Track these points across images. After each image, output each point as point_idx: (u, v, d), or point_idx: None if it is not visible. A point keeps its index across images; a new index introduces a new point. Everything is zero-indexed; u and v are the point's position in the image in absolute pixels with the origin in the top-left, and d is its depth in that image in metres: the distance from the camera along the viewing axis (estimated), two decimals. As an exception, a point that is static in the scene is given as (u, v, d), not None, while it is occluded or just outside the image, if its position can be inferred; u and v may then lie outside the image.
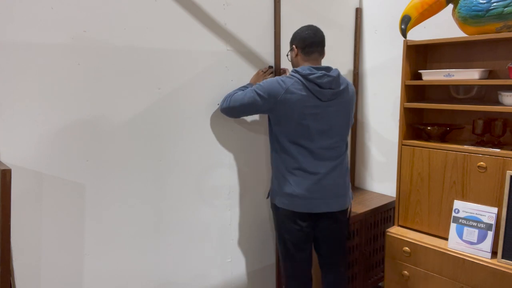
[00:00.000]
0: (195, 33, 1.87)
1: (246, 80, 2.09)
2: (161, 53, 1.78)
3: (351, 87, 1.88)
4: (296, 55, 1.86)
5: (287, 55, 1.99)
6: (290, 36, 2.26)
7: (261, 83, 1.80)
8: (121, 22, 1.65)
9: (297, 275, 1.92)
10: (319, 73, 1.74)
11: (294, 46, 1.87)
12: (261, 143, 2.22)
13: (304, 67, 1.78)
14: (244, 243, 2.22)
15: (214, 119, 2.00)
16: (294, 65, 1.92)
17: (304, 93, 1.74)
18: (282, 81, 1.76)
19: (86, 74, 1.59)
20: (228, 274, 2.17)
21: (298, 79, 1.75)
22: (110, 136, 1.68)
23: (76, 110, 1.58)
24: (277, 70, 2.18)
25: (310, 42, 1.82)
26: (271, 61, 2.19)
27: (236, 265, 2.20)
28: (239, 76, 2.06)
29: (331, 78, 1.76)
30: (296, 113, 1.74)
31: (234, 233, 2.17)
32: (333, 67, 1.84)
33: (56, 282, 1.61)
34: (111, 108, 1.67)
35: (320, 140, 1.79)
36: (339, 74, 1.81)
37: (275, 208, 1.91)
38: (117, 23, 1.64)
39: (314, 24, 2.37)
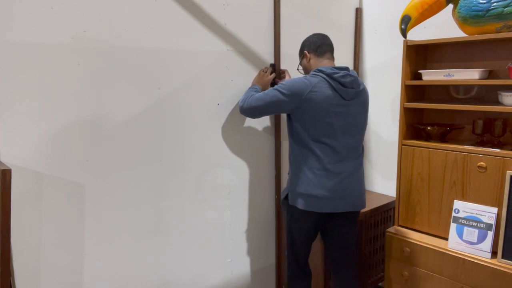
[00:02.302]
0: (195, 33, 1.87)
1: (246, 80, 2.09)
2: (161, 53, 1.78)
3: (366, 89, 1.92)
4: (309, 60, 1.89)
5: (298, 69, 2.00)
6: (290, 35, 2.27)
7: (283, 82, 1.81)
8: (121, 22, 1.65)
9: (300, 258, 1.99)
10: (342, 72, 1.77)
11: (305, 52, 1.90)
12: (262, 143, 2.22)
13: (327, 67, 1.80)
14: (244, 243, 2.22)
15: (214, 119, 2.00)
16: (307, 71, 1.93)
17: (329, 91, 1.75)
18: (307, 79, 1.77)
19: (86, 74, 1.59)
20: (228, 274, 2.17)
21: (323, 77, 1.77)
22: (110, 136, 1.68)
23: (76, 110, 1.58)
24: (277, 71, 2.18)
25: (320, 43, 1.87)
26: (271, 61, 2.19)
27: (236, 265, 2.20)
28: (239, 76, 2.06)
29: (353, 78, 1.79)
30: (321, 111, 1.75)
31: (234, 233, 2.17)
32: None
33: (56, 282, 1.61)
34: (111, 108, 1.67)
35: (343, 138, 1.79)
36: (357, 75, 1.83)
37: (291, 208, 1.89)
38: (117, 23, 1.64)
39: (314, 24, 2.38)
